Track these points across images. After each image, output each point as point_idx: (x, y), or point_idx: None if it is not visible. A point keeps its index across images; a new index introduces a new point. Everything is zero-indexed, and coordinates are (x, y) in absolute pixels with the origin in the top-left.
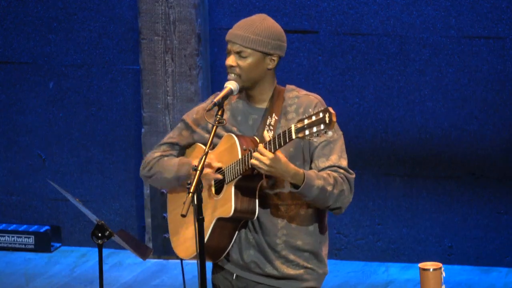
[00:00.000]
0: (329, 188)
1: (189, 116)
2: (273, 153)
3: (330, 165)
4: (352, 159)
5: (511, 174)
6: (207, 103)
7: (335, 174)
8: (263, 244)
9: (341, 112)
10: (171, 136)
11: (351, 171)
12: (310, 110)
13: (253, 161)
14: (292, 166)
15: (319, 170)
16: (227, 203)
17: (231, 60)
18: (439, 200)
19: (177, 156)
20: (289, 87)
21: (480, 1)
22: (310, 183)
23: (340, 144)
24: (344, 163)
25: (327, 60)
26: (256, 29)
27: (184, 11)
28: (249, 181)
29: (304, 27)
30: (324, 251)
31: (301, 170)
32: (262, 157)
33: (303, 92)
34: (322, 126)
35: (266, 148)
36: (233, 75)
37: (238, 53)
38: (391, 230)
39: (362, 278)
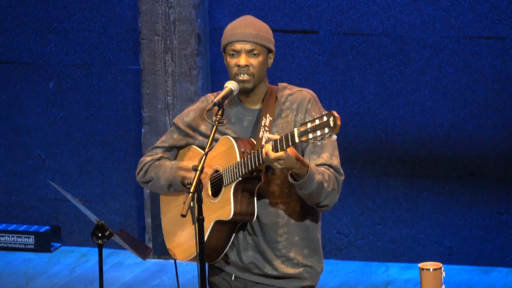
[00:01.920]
0: (325, 184)
1: (180, 119)
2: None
3: (322, 163)
4: (352, 159)
5: (511, 174)
6: (196, 105)
7: (329, 172)
8: (263, 244)
9: (341, 112)
10: (163, 140)
11: (341, 171)
12: (304, 105)
13: (274, 163)
14: (301, 157)
15: None
16: (226, 206)
17: (244, 60)
18: (439, 200)
19: (170, 159)
20: (281, 85)
21: (480, 1)
22: (312, 176)
23: (332, 142)
24: (335, 161)
25: (327, 60)
26: (261, 27)
27: (184, 11)
28: (248, 184)
29: (304, 27)
30: (321, 243)
31: (307, 162)
32: (276, 160)
33: (296, 88)
34: (326, 130)
35: (273, 150)
36: (246, 75)
37: (250, 52)
38: (391, 230)
39: (362, 278)
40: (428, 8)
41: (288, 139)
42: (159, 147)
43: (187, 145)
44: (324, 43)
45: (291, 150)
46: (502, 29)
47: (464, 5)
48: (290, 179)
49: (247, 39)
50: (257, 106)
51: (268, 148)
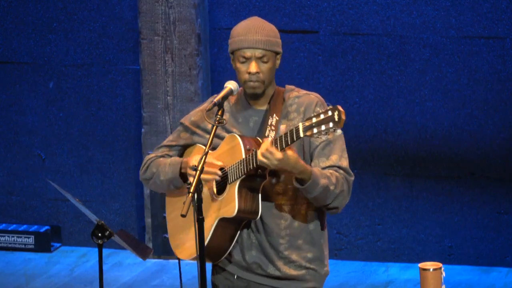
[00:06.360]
0: (332, 187)
1: (187, 119)
2: (283, 151)
3: (331, 165)
4: (352, 159)
5: (511, 174)
6: (204, 106)
7: (337, 174)
8: (266, 244)
9: None
10: (170, 139)
11: (351, 172)
12: (311, 108)
13: (261, 158)
14: (301, 162)
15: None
16: (230, 203)
17: (254, 67)
18: (439, 200)
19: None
20: (288, 87)
21: (480, 1)
22: (316, 180)
23: (341, 143)
24: (344, 163)
25: (327, 60)
26: (269, 31)
27: (184, 11)
28: (252, 181)
29: (304, 27)
30: (326, 250)
31: (309, 167)
32: (271, 156)
33: (303, 91)
34: (331, 124)
35: (272, 144)
36: (257, 82)
37: (260, 58)
38: (391, 230)
39: (362, 278)
40: (428, 8)
41: (293, 134)
42: (165, 145)
43: (194, 143)
44: (324, 43)
45: (291, 153)
46: (502, 29)
47: (464, 5)
48: (295, 183)
49: (257, 46)
50: (264, 107)
51: (267, 141)
